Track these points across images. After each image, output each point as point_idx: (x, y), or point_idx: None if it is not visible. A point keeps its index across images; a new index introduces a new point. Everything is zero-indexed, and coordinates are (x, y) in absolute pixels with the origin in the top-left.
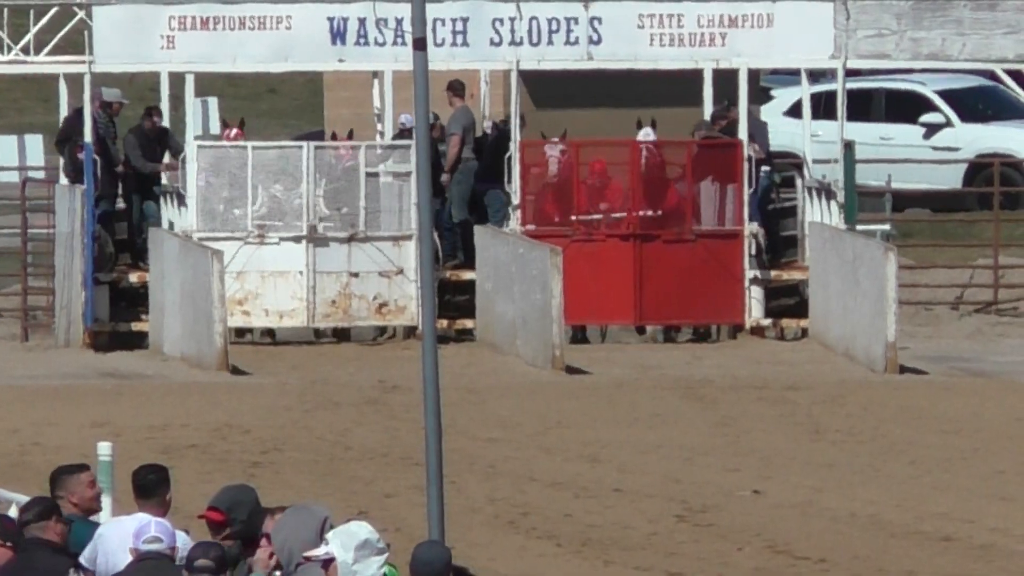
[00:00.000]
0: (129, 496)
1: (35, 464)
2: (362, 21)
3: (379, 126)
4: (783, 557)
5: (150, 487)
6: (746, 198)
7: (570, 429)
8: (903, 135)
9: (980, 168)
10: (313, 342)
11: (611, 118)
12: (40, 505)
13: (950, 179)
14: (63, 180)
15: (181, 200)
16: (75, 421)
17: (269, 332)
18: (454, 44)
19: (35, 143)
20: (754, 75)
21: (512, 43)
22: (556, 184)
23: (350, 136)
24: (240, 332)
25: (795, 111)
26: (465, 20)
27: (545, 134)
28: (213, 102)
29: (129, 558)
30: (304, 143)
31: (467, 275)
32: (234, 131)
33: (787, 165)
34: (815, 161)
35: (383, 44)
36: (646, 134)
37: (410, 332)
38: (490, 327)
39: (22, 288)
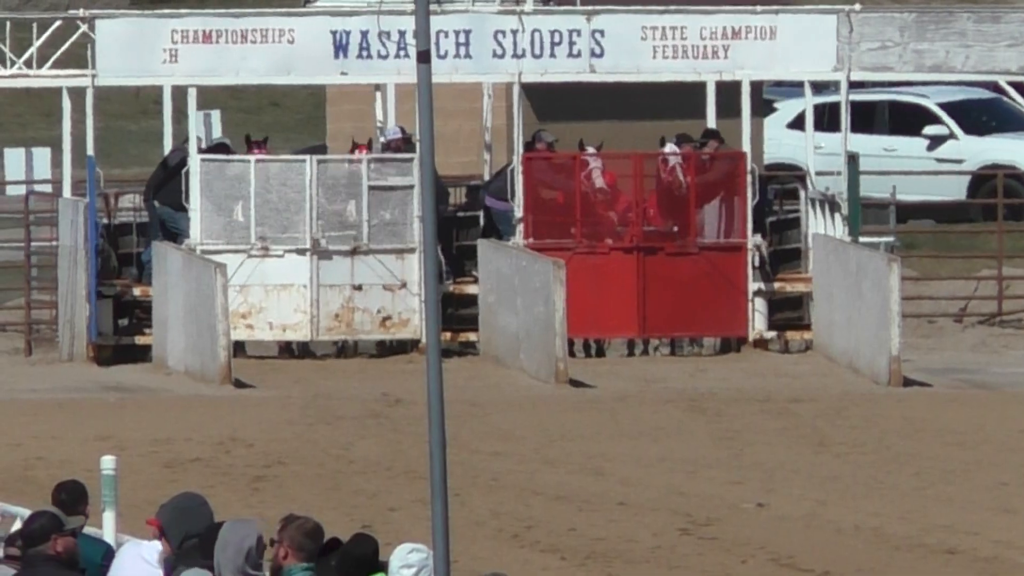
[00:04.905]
0: (131, 510)
1: (39, 478)
2: (365, 34)
3: (382, 139)
4: (787, 570)
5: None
6: (749, 211)
7: (574, 442)
8: (906, 147)
9: (984, 180)
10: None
11: (613, 131)
12: (41, 520)
13: (954, 191)
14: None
15: None
16: (79, 435)
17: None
18: (457, 56)
19: (43, 156)
20: (757, 87)
21: (515, 55)
22: (601, 196)
23: (369, 147)
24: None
25: (798, 123)
26: (468, 32)
27: (584, 144)
28: (216, 115)
29: None
30: (307, 156)
31: (470, 288)
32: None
33: (790, 177)
34: (819, 173)
35: (386, 57)
36: (671, 149)
37: (413, 345)
38: (493, 340)
39: (26, 302)
